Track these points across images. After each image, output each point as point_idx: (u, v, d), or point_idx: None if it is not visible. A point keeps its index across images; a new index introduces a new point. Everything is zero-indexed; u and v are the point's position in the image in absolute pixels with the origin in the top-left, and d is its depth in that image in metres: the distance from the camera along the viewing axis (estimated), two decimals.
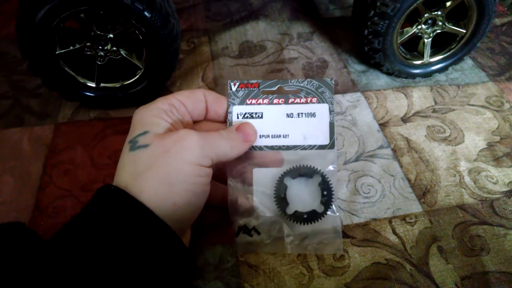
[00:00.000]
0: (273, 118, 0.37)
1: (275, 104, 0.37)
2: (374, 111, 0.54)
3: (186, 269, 0.31)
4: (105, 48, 0.49)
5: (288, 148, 0.37)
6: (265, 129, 0.37)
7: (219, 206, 0.39)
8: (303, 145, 0.37)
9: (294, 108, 0.37)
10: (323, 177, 0.37)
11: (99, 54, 0.49)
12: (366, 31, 0.54)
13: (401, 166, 0.47)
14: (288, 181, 0.37)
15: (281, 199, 0.37)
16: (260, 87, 0.38)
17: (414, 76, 0.59)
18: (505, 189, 0.45)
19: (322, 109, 0.37)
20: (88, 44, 0.48)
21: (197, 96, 0.35)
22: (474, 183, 0.46)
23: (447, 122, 0.53)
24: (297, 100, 0.37)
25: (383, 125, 0.52)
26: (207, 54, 0.64)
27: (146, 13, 0.44)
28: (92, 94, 0.51)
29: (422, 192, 0.45)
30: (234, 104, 0.37)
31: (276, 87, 0.38)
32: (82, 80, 0.50)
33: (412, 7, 0.51)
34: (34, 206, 0.43)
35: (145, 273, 0.27)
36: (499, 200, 0.44)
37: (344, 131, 0.51)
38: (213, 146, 0.32)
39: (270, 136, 0.37)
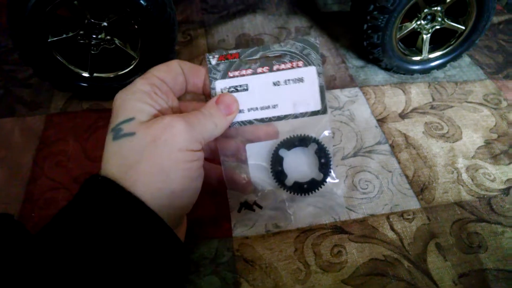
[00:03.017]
0: (259, 89, 0.35)
1: (260, 73, 0.35)
2: (372, 107, 0.54)
3: (179, 263, 0.30)
4: (99, 37, 0.47)
5: (279, 118, 0.35)
6: (253, 101, 0.34)
7: (216, 189, 0.37)
8: (294, 114, 0.35)
9: (280, 76, 0.35)
10: (319, 144, 0.35)
11: (92, 43, 0.48)
12: (365, 26, 0.53)
13: (399, 162, 0.47)
14: (283, 153, 0.36)
15: (278, 172, 0.36)
16: (241, 57, 0.34)
17: (412, 72, 0.59)
18: (502, 186, 0.45)
19: (309, 73, 0.35)
20: (81, 32, 0.47)
21: (175, 69, 0.33)
22: (472, 180, 0.46)
23: (445, 119, 0.53)
24: (282, 66, 0.35)
25: (381, 121, 0.52)
26: (203, 47, 0.63)
27: (141, 1, 0.43)
28: (85, 84, 0.50)
29: (420, 189, 0.44)
30: (216, 79, 0.34)
31: (258, 54, 0.35)
32: (75, 70, 0.49)
33: (412, 2, 0.50)
34: (24, 197, 0.41)
35: (135, 268, 0.26)
36: (496, 197, 0.44)
37: (342, 126, 0.51)
38: (200, 130, 0.30)
39: (259, 108, 0.35)
